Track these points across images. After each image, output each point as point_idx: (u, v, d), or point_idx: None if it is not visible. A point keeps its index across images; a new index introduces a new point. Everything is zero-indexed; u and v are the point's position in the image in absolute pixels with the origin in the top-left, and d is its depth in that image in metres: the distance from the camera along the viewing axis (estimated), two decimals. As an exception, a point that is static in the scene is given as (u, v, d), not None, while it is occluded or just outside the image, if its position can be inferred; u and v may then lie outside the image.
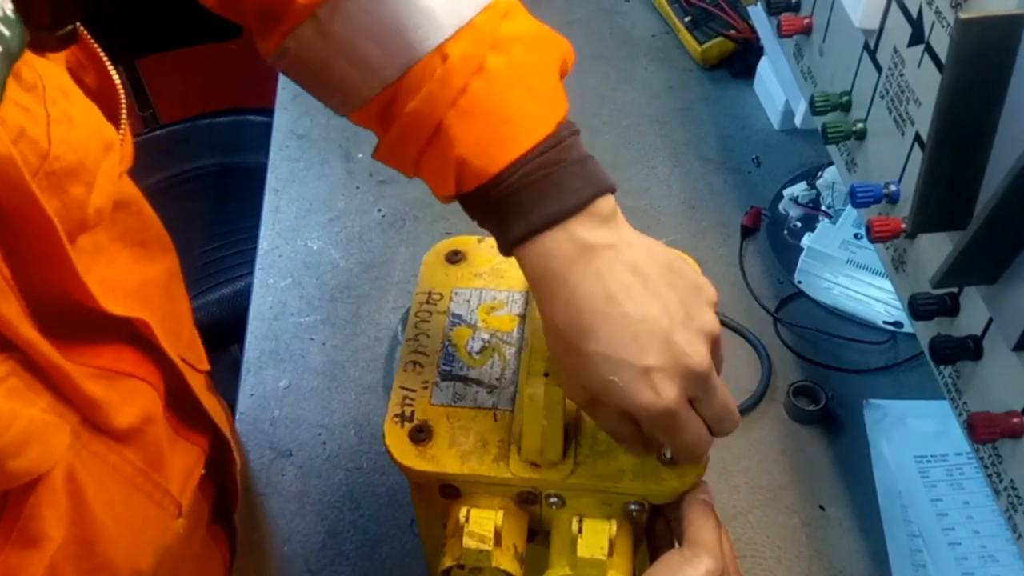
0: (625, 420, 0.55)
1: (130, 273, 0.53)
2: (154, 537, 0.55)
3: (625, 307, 0.52)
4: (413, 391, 0.63)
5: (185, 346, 0.60)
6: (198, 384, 0.60)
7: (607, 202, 0.53)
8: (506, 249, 0.55)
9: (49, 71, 0.44)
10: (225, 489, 0.68)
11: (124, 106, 0.51)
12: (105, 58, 0.52)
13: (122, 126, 0.50)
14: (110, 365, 0.50)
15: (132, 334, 0.52)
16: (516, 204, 0.53)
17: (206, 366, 0.64)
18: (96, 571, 0.50)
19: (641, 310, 0.52)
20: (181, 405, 0.58)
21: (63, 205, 0.43)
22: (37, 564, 0.45)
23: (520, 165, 0.52)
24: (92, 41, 0.52)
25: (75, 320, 0.47)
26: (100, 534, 0.49)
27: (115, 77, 0.52)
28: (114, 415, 0.49)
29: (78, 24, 0.47)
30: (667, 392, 0.52)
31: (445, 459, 0.59)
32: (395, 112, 0.54)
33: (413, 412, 0.62)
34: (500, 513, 0.59)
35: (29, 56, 0.42)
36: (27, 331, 0.43)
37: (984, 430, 0.53)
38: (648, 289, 0.52)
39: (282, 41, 0.55)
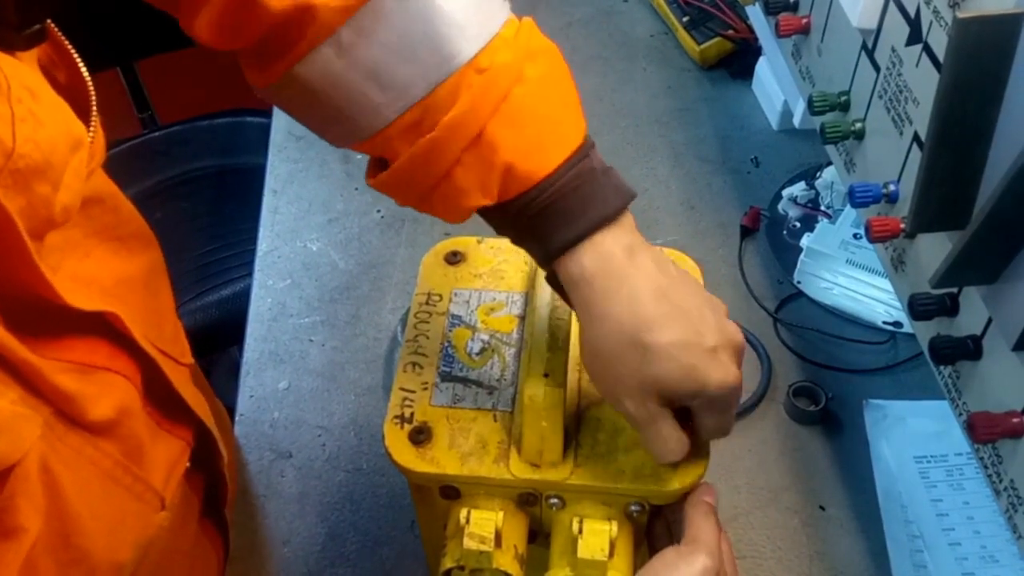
0: (677, 427, 0.56)
1: (106, 268, 0.53)
2: (135, 530, 0.55)
3: (678, 300, 0.54)
4: (413, 392, 0.63)
5: (167, 340, 0.59)
6: (180, 377, 0.60)
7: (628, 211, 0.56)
8: (555, 252, 0.55)
9: (15, 69, 0.43)
10: (215, 484, 0.68)
11: (95, 103, 0.51)
12: (76, 55, 0.52)
13: (92, 123, 0.50)
14: (83, 359, 0.50)
15: (106, 328, 0.52)
16: (565, 208, 0.54)
17: (190, 360, 0.63)
18: (74, 563, 0.50)
19: (689, 301, 0.55)
20: (162, 398, 0.58)
21: (28, 203, 0.43)
22: (14, 555, 0.45)
23: (563, 171, 0.54)
24: (63, 38, 0.51)
25: (45, 315, 0.47)
26: (77, 526, 0.49)
27: (85, 74, 0.52)
28: (89, 408, 0.49)
29: (48, 22, 0.47)
30: (733, 367, 0.55)
31: (445, 460, 0.59)
32: (423, 129, 0.53)
33: (413, 413, 0.62)
34: (500, 514, 0.59)
35: None
36: None
37: (984, 430, 0.53)
38: (684, 284, 0.56)
39: (289, 69, 0.53)
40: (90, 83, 0.51)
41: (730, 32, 1.22)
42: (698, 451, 0.59)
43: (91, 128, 0.50)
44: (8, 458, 0.44)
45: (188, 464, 0.61)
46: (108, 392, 0.52)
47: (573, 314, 0.62)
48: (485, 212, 0.57)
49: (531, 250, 0.57)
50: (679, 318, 0.53)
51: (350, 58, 0.52)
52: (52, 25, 0.49)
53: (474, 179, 0.54)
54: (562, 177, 0.54)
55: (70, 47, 0.52)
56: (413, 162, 0.54)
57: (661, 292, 0.54)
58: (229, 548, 0.75)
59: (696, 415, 0.57)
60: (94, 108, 0.51)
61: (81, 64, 0.52)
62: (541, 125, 0.54)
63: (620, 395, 0.55)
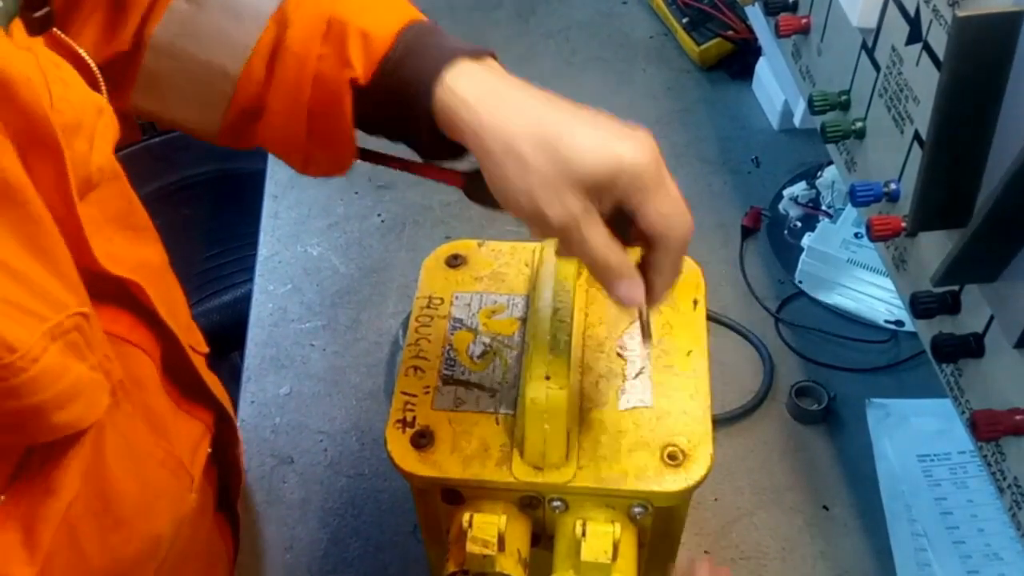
0: (604, 229, 0.53)
1: (128, 253, 0.54)
2: (170, 505, 0.56)
3: (564, 102, 0.54)
4: (414, 396, 0.63)
5: (183, 328, 0.60)
6: (198, 361, 0.61)
7: None
8: (431, 87, 0.54)
9: (37, 43, 0.45)
10: (227, 477, 0.69)
11: (102, 80, 0.52)
12: (79, 48, 0.53)
13: (103, 96, 0.51)
14: (104, 326, 0.51)
15: (129, 300, 0.53)
16: (428, 46, 0.55)
17: (205, 349, 0.64)
18: (114, 528, 0.51)
19: (573, 106, 0.54)
20: (180, 379, 0.59)
21: (70, 160, 0.44)
22: (55, 512, 0.46)
23: (415, 26, 0.56)
24: (63, 35, 0.52)
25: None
26: (116, 491, 0.50)
27: (86, 57, 0.52)
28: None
29: (52, 12, 0.48)
30: (647, 141, 0.52)
31: (447, 464, 0.59)
32: (280, 41, 0.56)
33: (415, 417, 0.62)
34: (503, 518, 0.58)
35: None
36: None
37: (987, 428, 0.53)
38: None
39: (147, 46, 0.56)
40: (92, 64, 0.52)
41: (730, 33, 1.22)
42: (661, 277, 0.55)
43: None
44: (80, 423, 0.45)
45: (210, 449, 0.62)
46: (124, 363, 0.52)
47: (575, 316, 0.62)
48: (362, 106, 0.57)
49: (413, 119, 0.56)
50: (574, 109, 0.53)
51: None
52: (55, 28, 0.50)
53: (336, 60, 0.55)
54: (414, 29, 0.56)
55: (71, 42, 0.53)
56: (282, 81, 0.56)
57: (547, 97, 0.54)
58: (239, 544, 0.76)
59: (636, 212, 0.53)
60: (102, 84, 0.52)
61: (81, 51, 0.52)
62: (380, 2, 0.57)
63: (539, 206, 0.52)
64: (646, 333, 0.58)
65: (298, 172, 0.61)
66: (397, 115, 0.57)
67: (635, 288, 0.55)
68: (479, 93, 0.53)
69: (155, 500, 0.55)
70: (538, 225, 0.53)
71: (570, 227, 0.52)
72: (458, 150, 0.57)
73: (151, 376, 0.55)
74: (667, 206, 0.53)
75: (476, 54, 0.55)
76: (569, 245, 0.53)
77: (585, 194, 0.51)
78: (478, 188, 0.57)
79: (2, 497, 0.44)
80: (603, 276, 0.54)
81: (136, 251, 0.56)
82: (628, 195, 0.52)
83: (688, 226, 0.54)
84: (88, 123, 0.46)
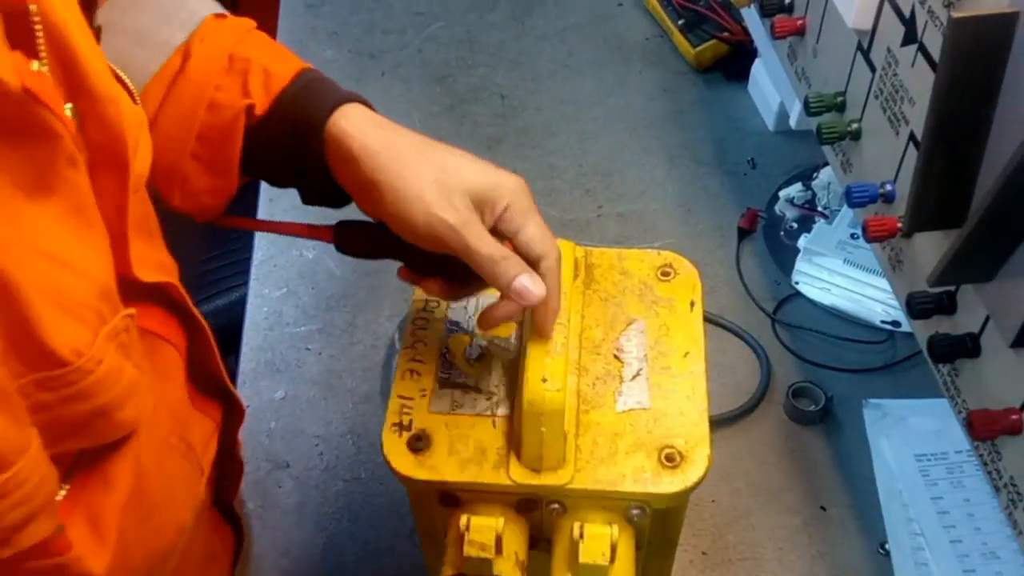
0: (489, 236, 0.57)
1: (149, 256, 0.55)
2: (190, 495, 0.57)
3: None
4: (411, 399, 0.63)
5: None
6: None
7: None
8: (329, 113, 0.58)
9: None
10: (225, 478, 0.69)
11: (139, 101, 0.54)
12: (119, 70, 0.53)
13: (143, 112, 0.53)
14: (139, 322, 0.51)
15: (161, 296, 0.55)
16: (325, 85, 0.60)
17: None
18: (145, 519, 0.52)
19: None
20: (198, 375, 0.60)
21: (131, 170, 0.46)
22: (115, 503, 0.48)
23: (311, 71, 0.61)
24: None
25: None
26: (145, 483, 0.51)
27: (126, 79, 0.53)
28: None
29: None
30: (515, 175, 0.59)
31: (444, 467, 0.59)
32: (180, 69, 0.59)
33: (411, 421, 0.61)
34: (501, 521, 0.58)
35: None
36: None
37: (983, 427, 0.53)
38: None
39: None
40: (128, 81, 0.53)
41: (725, 34, 1.22)
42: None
43: None
44: (138, 420, 0.46)
45: (216, 446, 0.62)
46: (154, 358, 0.53)
47: (571, 318, 0.62)
48: (255, 138, 0.59)
49: (304, 147, 0.59)
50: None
51: (110, 28, 0.57)
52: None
53: (235, 90, 0.59)
54: (311, 73, 0.60)
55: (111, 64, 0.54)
56: (176, 103, 0.58)
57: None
58: (242, 543, 0.76)
59: (516, 233, 0.58)
60: (138, 99, 0.53)
61: (117, 69, 0.53)
62: (279, 48, 0.62)
63: (434, 209, 0.55)
64: (544, 331, 0.59)
65: (167, 204, 0.62)
66: (290, 144, 0.59)
67: (537, 280, 0.57)
68: (373, 120, 0.58)
69: (177, 490, 0.56)
70: (430, 233, 0.56)
71: (466, 226, 0.56)
72: (341, 196, 0.61)
73: (178, 370, 0.57)
74: (543, 228, 0.58)
75: (368, 104, 0.60)
76: (465, 246, 0.56)
77: (471, 203, 0.56)
78: (349, 236, 0.62)
79: (66, 487, 0.45)
80: (503, 271, 0.56)
81: (157, 256, 0.57)
82: (510, 215, 0.57)
83: (559, 250, 0.59)
84: (134, 134, 0.48)
